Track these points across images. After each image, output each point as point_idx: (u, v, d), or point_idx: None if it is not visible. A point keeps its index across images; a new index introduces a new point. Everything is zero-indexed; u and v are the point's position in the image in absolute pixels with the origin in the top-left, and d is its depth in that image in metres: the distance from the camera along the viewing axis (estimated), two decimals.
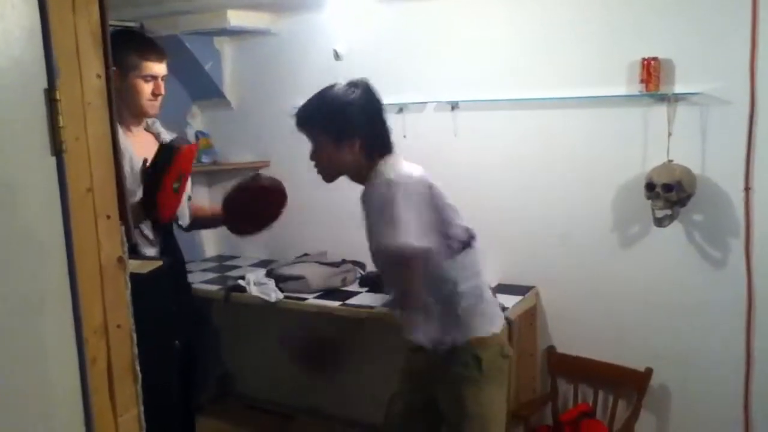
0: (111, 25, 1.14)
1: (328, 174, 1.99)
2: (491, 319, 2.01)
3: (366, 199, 1.93)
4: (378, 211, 1.79)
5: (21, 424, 1.01)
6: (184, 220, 2.35)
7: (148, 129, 2.30)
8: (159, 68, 2.20)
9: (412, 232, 1.71)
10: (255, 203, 2.38)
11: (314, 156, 1.98)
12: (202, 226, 2.60)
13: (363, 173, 1.95)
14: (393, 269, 1.83)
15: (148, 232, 2.17)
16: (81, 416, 1.08)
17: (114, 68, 2.00)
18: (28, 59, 1.01)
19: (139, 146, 2.17)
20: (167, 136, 2.31)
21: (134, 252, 2.09)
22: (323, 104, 1.94)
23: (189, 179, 2.31)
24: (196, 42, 3.34)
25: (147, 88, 2.17)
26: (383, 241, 1.75)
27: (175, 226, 2.34)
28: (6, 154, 0.98)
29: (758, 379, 2.53)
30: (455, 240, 1.93)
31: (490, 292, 2.08)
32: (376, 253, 1.92)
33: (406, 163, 1.95)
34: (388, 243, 1.72)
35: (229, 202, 2.36)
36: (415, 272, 1.77)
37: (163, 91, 2.23)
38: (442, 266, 1.90)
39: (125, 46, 2.10)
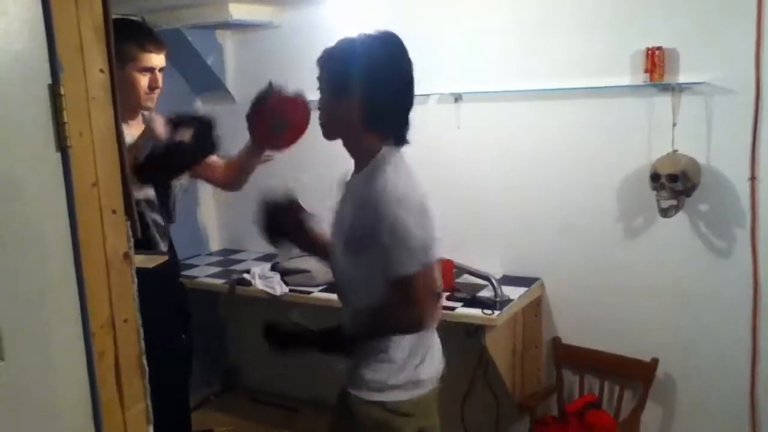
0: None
1: (326, 128, 1.72)
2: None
3: (355, 192, 1.69)
4: (389, 231, 1.56)
5: (30, 418, 1.02)
6: (173, 216, 2.33)
7: (145, 122, 2.27)
8: (157, 60, 2.13)
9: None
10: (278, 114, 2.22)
11: (318, 103, 1.72)
12: (245, 170, 2.41)
13: (358, 150, 1.70)
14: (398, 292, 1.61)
15: (159, 219, 2.16)
16: (89, 410, 1.09)
17: None
18: (32, 54, 1.00)
19: None
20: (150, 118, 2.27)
21: (150, 246, 2.09)
22: (338, 47, 1.68)
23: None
24: (198, 35, 3.34)
25: (144, 80, 2.11)
26: (395, 268, 1.57)
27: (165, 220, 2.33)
28: (11, 150, 0.98)
29: (764, 369, 2.53)
30: None
31: None
32: (352, 258, 1.67)
33: (409, 166, 1.71)
34: (404, 269, 1.56)
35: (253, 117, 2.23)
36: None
37: (160, 84, 2.17)
38: None
39: (122, 37, 2.05)
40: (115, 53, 1.98)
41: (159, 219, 2.17)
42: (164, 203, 2.24)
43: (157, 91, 2.17)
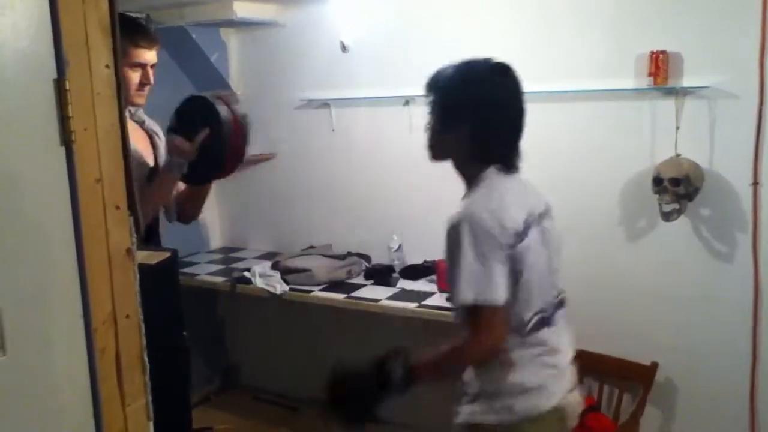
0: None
1: (432, 151, 1.68)
2: None
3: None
4: (448, 249, 1.56)
5: (31, 413, 1.02)
6: (173, 216, 2.32)
7: (131, 118, 2.22)
8: (149, 56, 2.08)
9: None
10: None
11: (426, 125, 1.69)
12: (190, 205, 2.38)
13: (466, 174, 1.66)
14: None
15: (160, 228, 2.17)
16: (90, 405, 1.09)
17: None
18: (38, 49, 1.01)
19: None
20: (151, 125, 2.26)
21: (155, 244, 2.09)
22: (450, 73, 1.65)
23: None
24: (201, 33, 3.34)
25: (135, 76, 2.05)
26: (451, 293, 1.55)
27: (164, 221, 2.32)
28: (15, 145, 0.99)
29: (764, 373, 2.52)
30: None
31: None
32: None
33: (514, 188, 1.65)
34: (456, 297, 1.52)
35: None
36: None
37: (152, 81, 2.11)
38: None
39: None
40: None
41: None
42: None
43: (148, 88, 2.12)
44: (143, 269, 1.21)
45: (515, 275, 1.54)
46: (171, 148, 2.04)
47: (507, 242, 1.51)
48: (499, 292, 1.49)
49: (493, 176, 1.61)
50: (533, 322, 1.61)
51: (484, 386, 1.62)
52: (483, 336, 1.53)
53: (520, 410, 1.58)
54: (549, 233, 1.69)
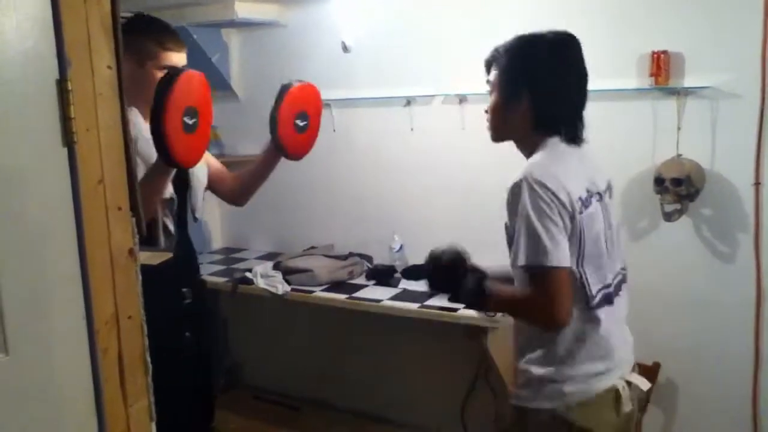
0: (122, 16, 1.14)
1: (494, 130, 1.67)
2: None
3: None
4: (510, 212, 1.56)
5: (34, 413, 1.02)
6: (199, 212, 2.32)
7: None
8: (178, 58, 2.11)
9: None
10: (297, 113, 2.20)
11: (488, 107, 1.68)
12: (255, 182, 2.38)
13: (531, 150, 1.61)
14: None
15: (171, 225, 2.15)
16: (92, 406, 1.09)
17: (131, 56, 1.98)
18: (40, 50, 1.01)
19: None
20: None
21: (154, 245, 2.08)
22: (509, 47, 1.62)
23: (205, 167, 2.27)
24: (203, 34, 3.34)
25: None
26: (512, 255, 1.52)
27: (190, 219, 2.32)
28: (18, 145, 0.99)
29: (767, 374, 2.52)
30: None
31: None
32: None
33: (576, 157, 1.60)
34: (517, 258, 1.49)
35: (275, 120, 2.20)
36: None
37: None
38: None
39: (144, 34, 2.04)
40: (135, 50, 1.99)
41: (168, 221, 2.14)
42: (182, 204, 2.22)
43: None
44: (146, 270, 1.21)
45: (578, 244, 1.50)
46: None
47: (569, 207, 1.47)
48: (559, 255, 1.44)
49: (556, 143, 1.57)
50: (598, 298, 1.55)
51: (539, 367, 1.57)
52: (546, 302, 1.46)
53: (574, 394, 1.54)
54: (609, 209, 1.64)
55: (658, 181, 2.48)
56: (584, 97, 1.64)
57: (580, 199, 1.51)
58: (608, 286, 1.59)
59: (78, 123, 1.05)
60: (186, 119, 1.85)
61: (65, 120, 1.04)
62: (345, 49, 3.16)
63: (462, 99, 2.92)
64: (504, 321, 2.54)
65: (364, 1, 3.07)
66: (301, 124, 2.16)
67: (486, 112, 1.67)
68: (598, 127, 2.67)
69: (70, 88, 1.03)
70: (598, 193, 1.60)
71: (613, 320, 1.61)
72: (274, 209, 3.57)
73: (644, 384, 1.68)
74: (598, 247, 1.55)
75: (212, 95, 3.72)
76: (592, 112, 2.66)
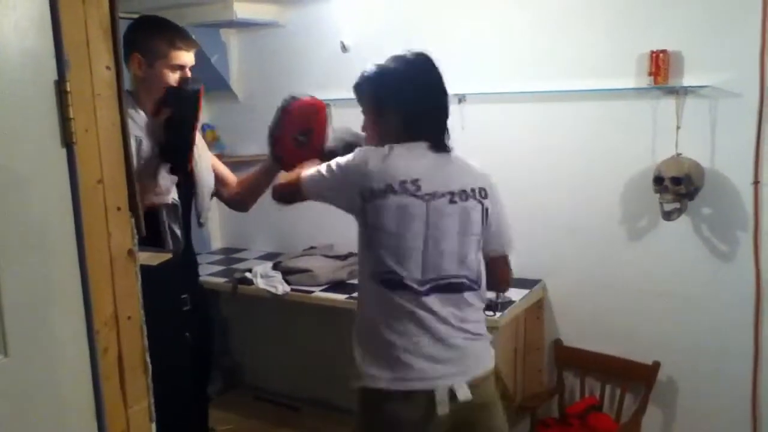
0: (121, 17, 1.14)
1: (371, 145, 1.80)
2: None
3: None
4: None
5: (34, 414, 1.02)
6: (204, 217, 2.32)
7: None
8: (187, 57, 2.12)
9: None
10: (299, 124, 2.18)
11: (363, 129, 1.87)
12: (256, 191, 2.37)
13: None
14: None
15: (178, 230, 2.15)
16: (92, 406, 1.09)
17: (141, 56, 1.97)
18: (39, 51, 1.01)
19: None
20: None
21: (161, 247, 2.08)
22: (372, 71, 1.79)
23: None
24: (202, 34, 3.33)
25: (174, 77, 2.09)
26: None
27: (194, 224, 2.32)
28: (17, 146, 0.99)
29: (766, 372, 2.52)
30: None
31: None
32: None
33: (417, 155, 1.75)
34: None
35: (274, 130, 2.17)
36: None
37: None
38: None
39: (154, 34, 2.03)
40: (145, 50, 2.00)
41: (176, 226, 2.13)
42: (186, 209, 2.22)
43: None
44: (146, 270, 1.21)
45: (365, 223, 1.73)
46: (147, 132, 2.04)
47: (367, 186, 1.67)
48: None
49: (420, 146, 1.74)
50: (379, 280, 1.71)
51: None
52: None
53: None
54: (445, 212, 1.71)
55: (658, 180, 2.48)
56: (445, 110, 1.80)
57: (386, 185, 1.67)
58: (397, 275, 1.69)
59: (77, 124, 1.05)
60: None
61: (64, 121, 1.04)
62: (344, 49, 3.15)
63: (461, 99, 2.92)
64: (503, 321, 2.54)
65: (363, 1, 3.07)
66: (302, 139, 2.14)
67: (363, 131, 1.86)
68: (598, 127, 2.70)
69: (68, 89, 1.03)
70: (434, 193, 1.70)
71: (418, 319, 1.72)
72: (273, 209, 3.54)
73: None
74: (391, 239, 1.71)
75: (212, 95, 3.75)
76: (592, 112, 2.69)
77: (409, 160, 1.70)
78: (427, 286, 1.68)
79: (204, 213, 2.28)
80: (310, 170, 1.81)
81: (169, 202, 2.07)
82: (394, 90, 1.74)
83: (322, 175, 1.76)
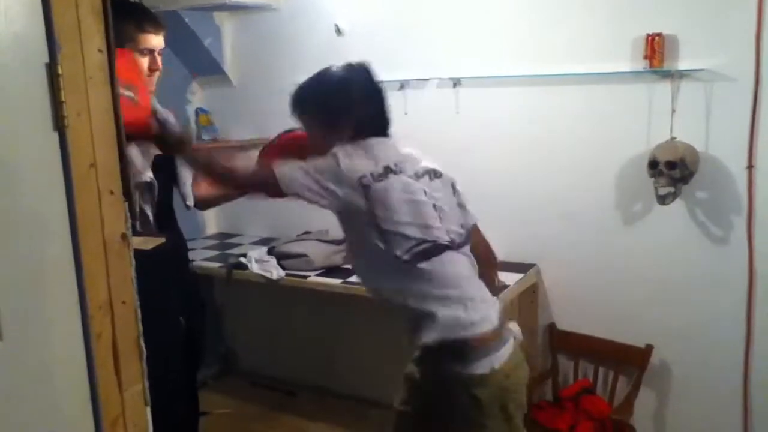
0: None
1: (320, 152, 1.82)
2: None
3: None
4: None
5: (28, 398, 1.02)
6: (189, 199, 2.31)
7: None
8: (156, 41, 2.09)
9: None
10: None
11: (310, 139, 1.89)
12: (221, 198, 2.38)
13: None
14: None
15: (149, 210, 2.14)
16: (87, 391, 1.09)
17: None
18: (29, 33, 0.99)
19: None
20: (164, 114, 2.25)
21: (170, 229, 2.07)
22: (318, 85, 1.86)
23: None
24: (195, 18, 3.31)
25: (144, 62, 2.06)
26: None
27: (181, 206, 2.31)
28: (8, 130, 0.98)
29: (758, 356, 2.54)
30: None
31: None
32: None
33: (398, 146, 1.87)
34: None
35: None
36: None
37: (160, 66, 2.13)
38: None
39: (119, 17, 2.01)
40: (114, 34, 1.96)
41: (146, 206, 2.12)
42: (167, 191, 2.21)
43: (157, 73, 2.12)
44: (139, 255, 1.20)
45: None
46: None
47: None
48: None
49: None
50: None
51: None
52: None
53: None
54: (435, 187, 1.84)
55: (652, 165, 2.48)
56: (382, 107, 1.87)
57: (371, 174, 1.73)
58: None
59: (69, 107, 1.04)
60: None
61: (56, 104, 1.03)
62: (338, 32, 3.13)
63: (456, 83, 2.91)
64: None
65: None
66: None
67: (311, 145, 1.85)
68: (592, 111, 2.69)
69: (60, 72, 1.02)
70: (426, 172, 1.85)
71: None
72: None
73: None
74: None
75: (205, 80, 3.72)
76: (586, 96, 2.68)
77: (382, 150, 1.80)
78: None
79: (189, 195, 2.27)
80: (287, 166, 1.74)
81: (147, 180, 2.05)
82: (348, 99, 1.82)
83: (306, 173, 1.73)
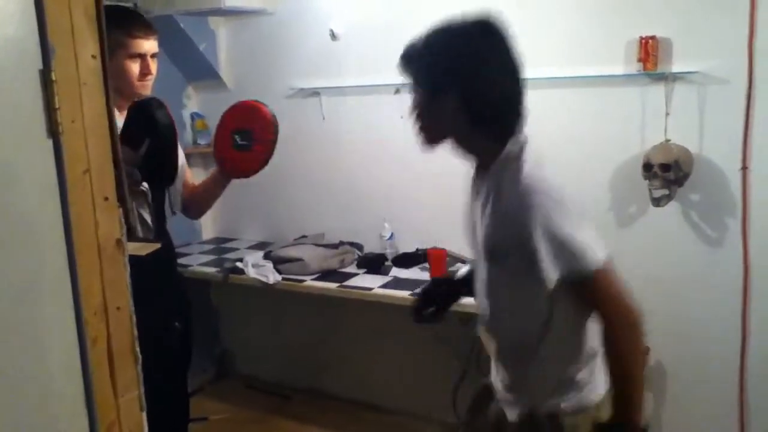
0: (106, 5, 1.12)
1: (426, 135, 1.49)
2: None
3: (488, 194, 1.50)
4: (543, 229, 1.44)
5: (23, 404, 1.02)
6: (177, 206, 2.31)
7: None
8: (148, 45, 2.07)
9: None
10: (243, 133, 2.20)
11: (412, 109, 1.51)
12: (206, 199, 2.43)
13: (474, 150, 1.51)
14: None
15: (148, 217, 2.14)
16: (82, 397, 1.09)
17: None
18: (23, 39, 0.99)
19: None
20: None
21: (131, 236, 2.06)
22: (425, 41, 1.48)
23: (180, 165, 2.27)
24: (190, 22, 3.31)
25: (135, 67, 2.05)
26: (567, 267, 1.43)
27: (168, 213, 2.31)
28: (2, 137, 0.98)
29: (753, 356, 2.55)
30: None
31: None
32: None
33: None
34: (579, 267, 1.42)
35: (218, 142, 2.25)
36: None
37: (153, 71, 2.11)
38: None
39: (109, 24, 2.02)
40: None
41: (145, 213, 2.12)
42: (160, 198, 2.21)
43: (150, 78, 2.11)
44: (134, 261, 1.20)
45: None
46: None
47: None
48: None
49: (518, 149, 1.51)
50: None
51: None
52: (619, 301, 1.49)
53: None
54: None
55: (647, 167, 2.49)
56: (519, 83, 1.52)
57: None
58: None
59: (63, 113, 1.04)
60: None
61: (50, 110, 1.03)
62: (333, 36, 3.14)
63: None
64: None
65: None
66: (241, 142, 2.13)
67: (411, 115, 1.51)
68: (586, 114, 2.70)
69: (54, 78, 1.02)
70: None
71: None
72: (264, 199, 3.56)
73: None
74: None
75: (201, 84, 3.72)
76: (580, 99, 2.69)
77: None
78: None
79: (177, 202, 2.27)
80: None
81: (142, 188, 2.05)
82: (463, 61, 1.45)
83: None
